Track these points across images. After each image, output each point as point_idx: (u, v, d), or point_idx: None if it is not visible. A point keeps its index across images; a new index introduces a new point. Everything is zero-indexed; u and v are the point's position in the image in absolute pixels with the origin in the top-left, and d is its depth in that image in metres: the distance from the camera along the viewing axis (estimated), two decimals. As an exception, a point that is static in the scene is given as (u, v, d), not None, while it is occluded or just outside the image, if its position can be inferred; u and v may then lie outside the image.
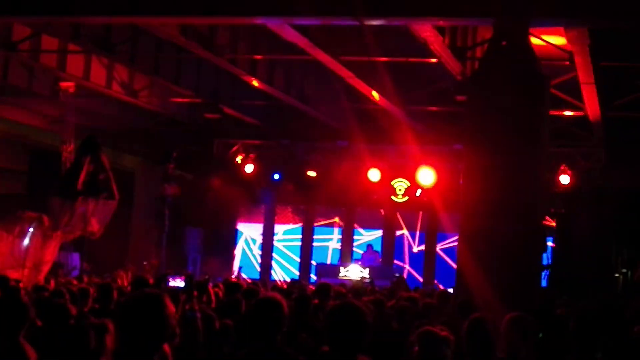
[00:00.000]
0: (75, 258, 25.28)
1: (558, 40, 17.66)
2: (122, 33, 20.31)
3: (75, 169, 22.79)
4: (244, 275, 27.76)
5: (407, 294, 15.17)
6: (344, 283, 23.33)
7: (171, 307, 5.26)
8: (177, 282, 18.01)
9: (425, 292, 18.99)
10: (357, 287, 18.66)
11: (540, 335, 8.35)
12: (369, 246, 29.92)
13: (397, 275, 27.34)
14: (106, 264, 26.03)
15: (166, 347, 5.93)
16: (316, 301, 12.02)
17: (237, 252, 32.75)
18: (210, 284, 15.31)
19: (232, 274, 31.13)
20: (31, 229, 22.70)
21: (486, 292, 12.63)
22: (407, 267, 31.47)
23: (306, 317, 10.50)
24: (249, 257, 32.76)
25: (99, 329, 6.98)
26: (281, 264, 32.56)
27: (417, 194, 29.44)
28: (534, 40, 15.64)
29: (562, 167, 26.82)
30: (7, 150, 28.96)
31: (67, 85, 24.39)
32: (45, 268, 21.71)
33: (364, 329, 5.77)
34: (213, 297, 13.30)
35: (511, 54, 13.46)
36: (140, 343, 5.06)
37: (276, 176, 30.35)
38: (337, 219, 32.18)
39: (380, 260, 30.24)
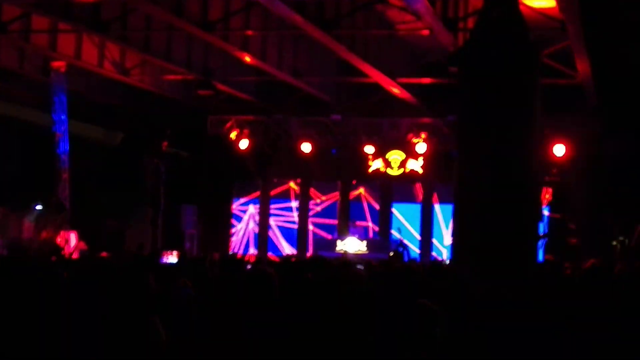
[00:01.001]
0: (73, 238, 25.32)
1: (550, 2, 17.56)
2: (112, 11, 20.21)
3: None
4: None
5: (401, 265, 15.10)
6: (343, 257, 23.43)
7: (152, 283, 5.80)
8: (171, 259, 18.04)
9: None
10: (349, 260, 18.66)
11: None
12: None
13: (398, 246, 27.32)
14: (102, 242, 26.07)
15: (157, 321, 6.07)
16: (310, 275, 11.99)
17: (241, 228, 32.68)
18: (208, 259, 15.34)
19: (230, 250, 31.21)
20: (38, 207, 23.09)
21: (482, 263, 12.66)
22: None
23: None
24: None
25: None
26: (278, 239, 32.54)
27: (412, 166, 29.48)
28: (526, 9, 15.59)
29: (556, 136, 26.79)
30: (-1, 132, 28.92)
31: (59, 64, 24.37)
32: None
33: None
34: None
35: (502, 24, 13.41)
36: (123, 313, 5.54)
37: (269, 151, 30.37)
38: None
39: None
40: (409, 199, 31.33)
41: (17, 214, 25.72)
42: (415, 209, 30.95)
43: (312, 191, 31.96)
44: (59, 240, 24.29)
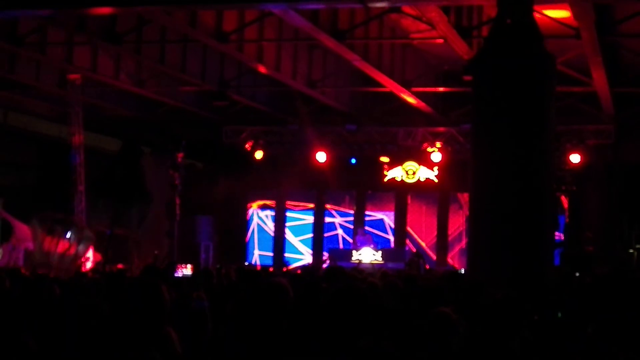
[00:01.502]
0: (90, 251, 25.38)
1: (564, 10, 17.54)
2: (127, 23, 20.28)
3: None
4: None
5: (418, 275, 15.11)
6: (356, 267, 23.35)
7: (166, 295, 5.76)
8: (186, 271, 18.00)
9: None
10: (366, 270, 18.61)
11: (559, 315, 8.34)
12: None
13: (414, 255, 27.25)
14: (117, 254, 26.13)
15: (172, 333, 6.07)
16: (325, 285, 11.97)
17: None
18: (223, 271, 15.34)
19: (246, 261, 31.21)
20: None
21: (498, 271, 12.62)
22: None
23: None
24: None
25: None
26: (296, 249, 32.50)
27: (424, 177, 29.54)
28: (541, 16, 15.57)
29: (572, 145, 26.74)
30: (16, 144, 29.02)
31: (75, 77, 24.46)
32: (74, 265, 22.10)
33: (364, 311, 5.78)
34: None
35: (516, 32, 13.39)
36: (137, 325, 5.58)
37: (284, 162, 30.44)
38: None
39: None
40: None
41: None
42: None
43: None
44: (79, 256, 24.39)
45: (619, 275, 7.34)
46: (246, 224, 32.50)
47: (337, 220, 32.12)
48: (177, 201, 27.82)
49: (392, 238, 31.23)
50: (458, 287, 11.95)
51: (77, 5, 17.10)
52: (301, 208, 32.31)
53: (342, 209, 32.09)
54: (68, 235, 24.44)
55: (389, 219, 31.63)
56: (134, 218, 29.30)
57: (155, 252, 26.34)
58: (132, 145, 25.16)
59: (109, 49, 22.46)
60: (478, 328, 7.22)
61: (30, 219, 24.57)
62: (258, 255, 32.28)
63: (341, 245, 31.45)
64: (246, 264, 29.50)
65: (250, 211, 32.58)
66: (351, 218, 31.82)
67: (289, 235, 32.26)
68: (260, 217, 32.64)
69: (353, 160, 29.98)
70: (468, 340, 7.05)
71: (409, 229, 31.18)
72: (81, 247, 24.65)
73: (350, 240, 30.30)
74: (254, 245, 32.46)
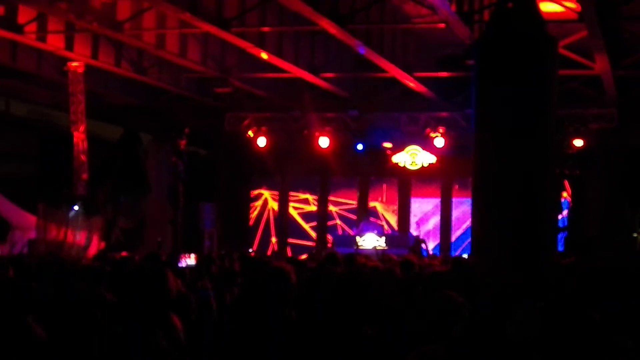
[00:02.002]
0: (93, 238, 25.39)
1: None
2: (127, 10, 20.24)
3: None
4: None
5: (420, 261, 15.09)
6: (360, 252, 23.33)
7: (172, 281, 5.81)
8: (190, 261, 17.92)
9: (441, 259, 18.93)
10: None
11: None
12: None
13: (417, 240, 27.23)
14: (121, 242, 26.12)
15: (177, 321, 6.07)
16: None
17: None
18: (226, 259, 15.32)
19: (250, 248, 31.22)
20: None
21: (502, 258, 12.59)
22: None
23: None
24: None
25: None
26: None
27: (427, 163, 29.50)
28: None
29: (574, 129, 26.69)
30: (17, 134, 28.98)
31: (76, 65, 24.41)
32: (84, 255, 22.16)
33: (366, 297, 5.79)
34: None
35: (518, 16, 13.32)
36: (141, 311, 5.73)
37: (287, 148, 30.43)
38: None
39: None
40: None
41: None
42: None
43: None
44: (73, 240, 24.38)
45: (620, 264, 7.31)
46: (248, 210, 32.52)
47: (335, 209, 32.14)
48: (181, 189, 27.79)
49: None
50: (463, 273, 11.97)
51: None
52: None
53: (340, 198, 32.10)
54: (73, 216, 24.48)
55: (383, 206, 31.69)
56: (135, 207, 29.23)
57: (159, 239, 26.33)
58: (132, 134, 25.09)
59: (109, 37, 22.42)
60: (482, 312, 7.19)
61: (36, 206, 24.62)
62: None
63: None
64: (249, 250, 29.47)
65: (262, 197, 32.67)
66: (349, 207, 31.83)
67: (300, 221, 32.32)
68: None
69: (360, 146, 29.89)
70: (471, 324, 7.02)
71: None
72: (88, 235, 24.69)
73: (349, 231, 30.36)
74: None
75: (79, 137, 25.67)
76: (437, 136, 28.62)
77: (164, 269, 6.14)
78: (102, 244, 25.25)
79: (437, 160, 29.58)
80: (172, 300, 6.00)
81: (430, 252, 27.09)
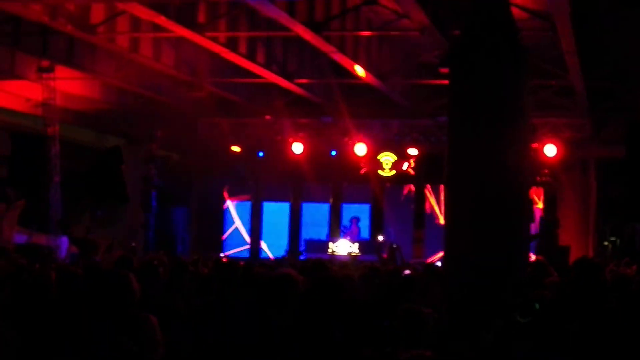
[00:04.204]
0: (64, 241, 25.22)
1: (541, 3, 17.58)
2: (101, 13, 20.17)
3: None
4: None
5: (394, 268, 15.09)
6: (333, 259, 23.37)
7: (134, 284, 6.33)
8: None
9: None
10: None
11: (537, 306, 8.31)
12: (354, 219, 29.88)
13: (390, 247, 27.24)
14: (95, 245, 25.96)
15: (151, 319, 6.28)
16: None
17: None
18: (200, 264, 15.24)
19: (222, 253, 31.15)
20: None
21: (475, 264, 12.61)
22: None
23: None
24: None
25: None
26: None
27: (404, 167, 29.48)
28: (517, 9, 15.57)
29: (547, 138, 26.82)
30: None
31: (47, 64, 24.22)
32: None
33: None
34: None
35: (492, 25, 13.37)
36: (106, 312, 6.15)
37: (260, 154, 30.35)
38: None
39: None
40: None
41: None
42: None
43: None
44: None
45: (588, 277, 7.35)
46: (222, 215, 32.48)
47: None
48: (153, 193, 27.73)
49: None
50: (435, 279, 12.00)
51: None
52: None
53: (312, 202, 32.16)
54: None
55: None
56: (110, 217, 29.04)
57: (132, 244, 26.25)
58: (115, 152, 24.97)
59: (83, 40, 22.32)
60: (454, 319, 7.22)
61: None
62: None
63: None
64: (221, 255, 29.42)
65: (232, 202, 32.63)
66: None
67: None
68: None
69: (333, 152, 29.90)
70: (440, 333, 7.05)
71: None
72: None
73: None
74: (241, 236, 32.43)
75: (52, 139, 25.52)
76: (410, 144, 28.72)
77: (126, 272, 6.55)
78: (73, 248, 25.11)
79: (409, 167, 29.61)
80: (135, 300, 6.33)
81: (404, 259, 27.12)
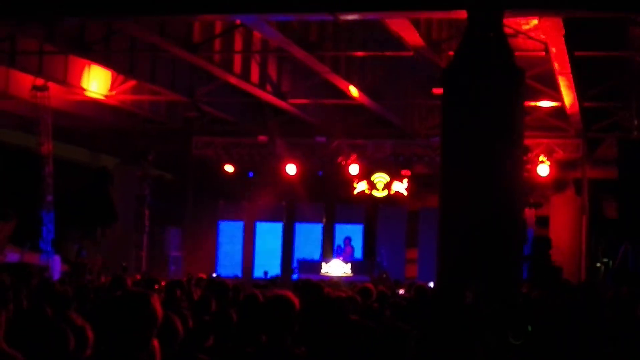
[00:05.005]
0: (57, 261, 25.16)
1: (535, 24, 17.65)
2: (96, 32, 20.21)
3: None
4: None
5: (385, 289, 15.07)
6: (326, 279, 23.33)
7: (159, 306, 5.59)
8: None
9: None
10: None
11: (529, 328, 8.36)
12: (347, 239, 29.85)
13: (382, 271, 27.24)
14: (85, 265, 25.91)
15: (156, 343, 6.00)
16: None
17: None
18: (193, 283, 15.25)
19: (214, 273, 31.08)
20: None
21: (467, 284, 12.63)
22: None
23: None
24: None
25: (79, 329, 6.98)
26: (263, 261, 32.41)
27: (394, 190, 29.51)
28: (511, 31, 15.66)
29: (540, 158, 26.87)
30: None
31: (40, 83, 24.23)
32: None
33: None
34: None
35: (486, 46, 13.45)
36: (126, 341, 5.34)
37: (251, 174, 30.36)
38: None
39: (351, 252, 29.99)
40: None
41: None
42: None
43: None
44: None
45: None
46: (216, 235, 32.42)
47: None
48: (146, 212, 27.69)
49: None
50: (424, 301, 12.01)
51: (46, 16, 17.02)
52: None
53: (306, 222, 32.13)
54: None
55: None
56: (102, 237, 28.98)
57: (124, 264, 26.17)
58: (103, 172, 25.02)
59: (79, 59, 22.37)
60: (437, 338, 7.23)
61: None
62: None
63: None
64: (214, 275, 29.36)
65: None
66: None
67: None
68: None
69: (320, 173, 29.91)
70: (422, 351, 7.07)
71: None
72: None
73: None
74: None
75: (45, 158, 25.52)
76: (404, 164, 28.77)
77: (151, 293, 5.93)
78: (65, 267, 25.06)
79: (403, 188, 29.62)
80: (157, 326, 5.76)
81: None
